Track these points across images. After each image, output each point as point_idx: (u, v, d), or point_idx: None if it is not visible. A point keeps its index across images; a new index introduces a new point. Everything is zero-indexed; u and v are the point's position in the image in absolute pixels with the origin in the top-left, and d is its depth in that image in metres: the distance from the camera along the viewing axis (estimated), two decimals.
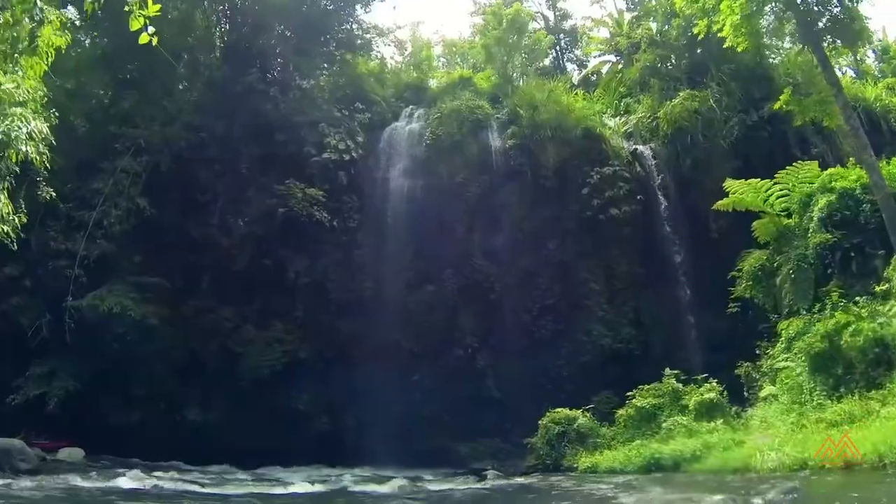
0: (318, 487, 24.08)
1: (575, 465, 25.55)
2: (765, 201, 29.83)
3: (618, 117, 42.59)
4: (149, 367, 33.74)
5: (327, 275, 34.16)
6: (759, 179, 29.83)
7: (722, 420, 24.55)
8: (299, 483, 24.96)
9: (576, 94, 43.39)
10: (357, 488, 24.04)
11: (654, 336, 33.94)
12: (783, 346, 26.42)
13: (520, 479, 23.89)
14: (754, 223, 30.01)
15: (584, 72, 57.39)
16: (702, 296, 34.06)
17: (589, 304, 34.00)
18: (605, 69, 52.09)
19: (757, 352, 27.22)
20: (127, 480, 21.89)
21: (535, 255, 34.50)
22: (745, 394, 26.79)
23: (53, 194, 31.13)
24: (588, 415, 27.44)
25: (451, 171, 35.78)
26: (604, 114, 42.36)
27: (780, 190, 29.77)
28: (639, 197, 35.52)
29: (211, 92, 38.40)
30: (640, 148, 38.24)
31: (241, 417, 32.73)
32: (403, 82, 43.47)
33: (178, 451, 32.06)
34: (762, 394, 26.09)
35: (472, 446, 32.20)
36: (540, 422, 27.68)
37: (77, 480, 21.50)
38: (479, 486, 22.71)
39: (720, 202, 30.53)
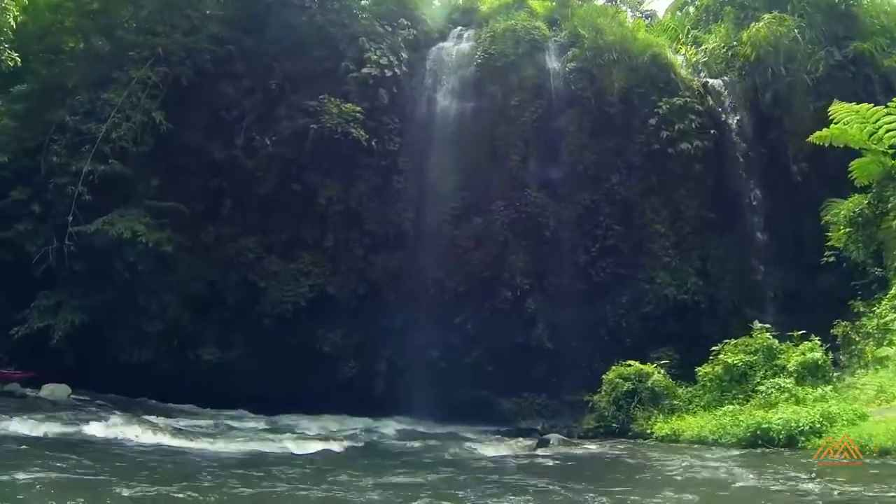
0: (339, 445, 18.92)
1: (648, 431, 20.47)
2: (871, 135, 23.88)
3: (685, 49, 36.34)
4: (162, 300, 29.11)
5: (362, 202, 28.85)
6: (870, 105, 23.96)
7: (830, 386, 19.10)
8: (315, 440, 20.03)
9: (637, 22, 37.30)
10: (390, 443, 18.96)
11: (723, 288, 28.38)
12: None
13: (590, 447, 18.59)
14: (853, 162, 24.59)
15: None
16: (779, 246, 28.74)
17: (653, 247, 28.43)
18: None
19: (853, 311, 22.70)
20: (100, 427, 16.95)
21: (595, 189, 28.95)
22: (841, 357, 21.71)
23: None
24: (663, 371, 21.99)
25: (504, 93, 29.96)
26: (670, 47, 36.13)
27: (891, 123, 23.77)
28: (712, 132, 29.59)
29: (240, 1, 32.66)
30: (713, 81, 32.08)
31: (262, 358, 28.04)
32: (451, 2, 37.37)
33: (192, 393, 27.53)
34: (870, 357, 20.76)
35: (516, 401, 27.22)
36: (605, 377, 22.42)
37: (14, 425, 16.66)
38: (542, 453, 17.42)
39: (817, 134, 24.69)
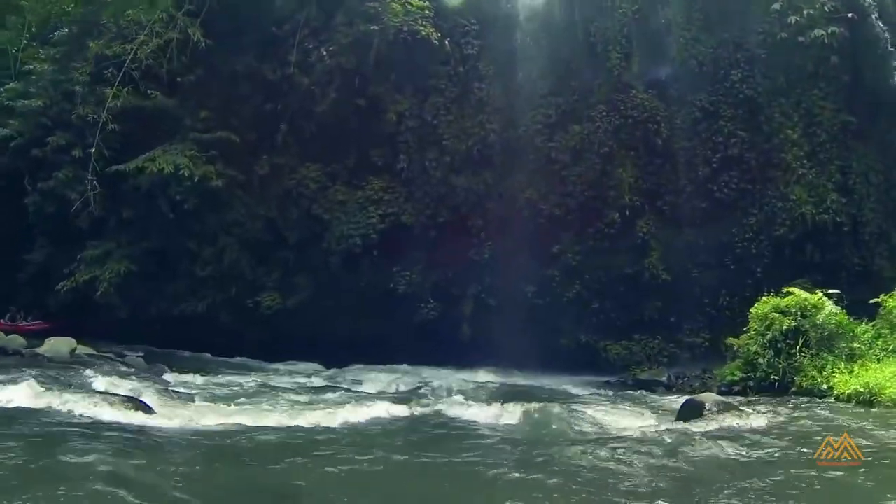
0: (407, 410, 13.64)
1: (824, 387, 14.35)
2: None
3: None
4: (217, 243, 24.18)
5: (439, 116, 23.03)
6: None
7: None
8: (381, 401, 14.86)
9: None
10: (468, 413, 13.51)
11: (866, 207, 21.56)
12: None
13: (762, 413, 12.56)
14: None
15: None
16: None
17: (785, 158, 21.72)
18: None
19: None
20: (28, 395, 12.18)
21: (713, 89, 22.27)
22: None
23: None
24: (839, 306, 15.86)
25: None
26: None
27: None
28: (850, 15, 22.32)
29: None
30: None
31: (329, 303, 23.17)
32: None
33: (253, 347, 23.11)
34: None
35: (626, 345, 21.60)
36: (753, 311, 16.46)
37: None
38: (702, 428, 11.48)
39: None
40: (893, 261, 21.12)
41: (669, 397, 16.43)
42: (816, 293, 16.02)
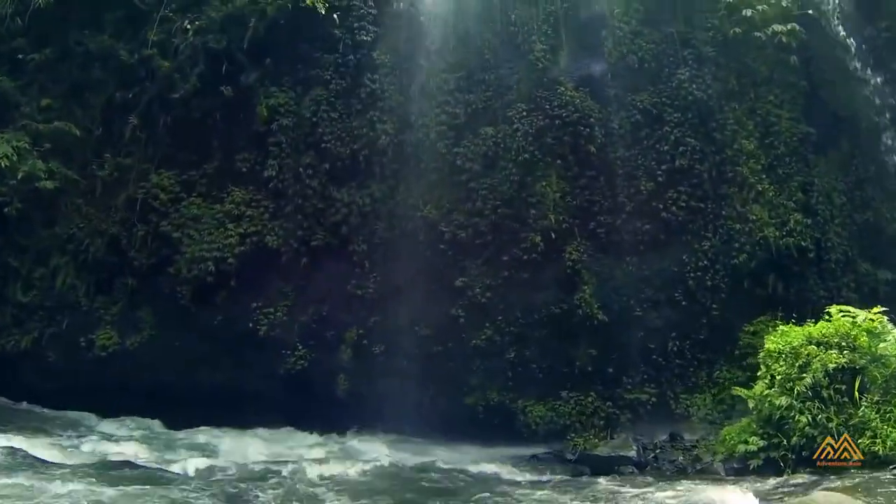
0: None
1: None
2: None
3: None
4: (47, 262, 17.76)
5: (320, 113, 16.86)
6: None
7: None
8: None
9: None
10: None
11: (831, 231, 16.67)
12: None
13: None
14: None
15: None
16: None
17: (741, 171, 16.56)
18: None
19: None
20: None
21: (655, 89, 16.91)
22: None
23: None
24: None
25: None
26: None
27: None
28: (809, 11, 17.55)
29: None
30: None
31: (174, 345, 16.65)
32: None
33: (86, 396, 16.65)
34: None
35: (552, 405, 15.40)
36: (769, 345, 11.30)
37: None
38: None
39: None
40: (861, 293, 16.17)
41: (656, 488, 10.38)
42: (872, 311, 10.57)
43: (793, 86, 17.25)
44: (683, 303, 15.83)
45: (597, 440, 13.78)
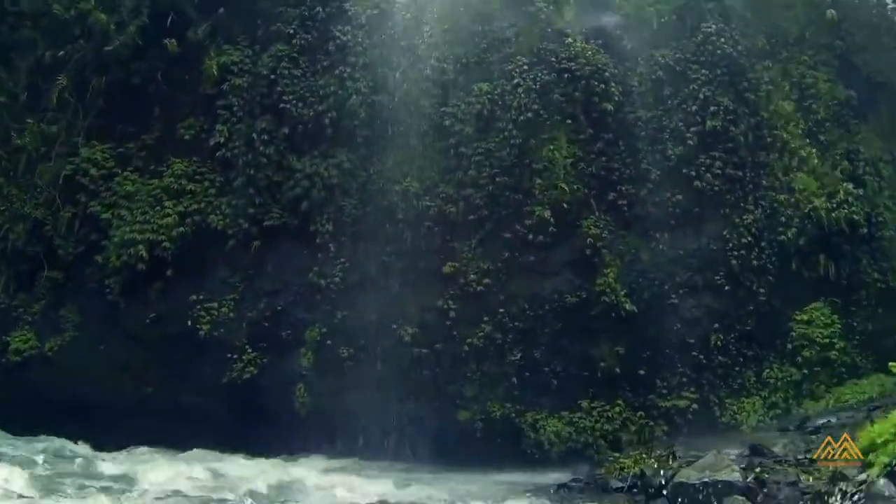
0: None
1: None
2: None
3: None
4: None
5: (280, 70, 13.09)
6: None
7: None
8: None
9: None
10: None
11: (881, 204, 13.89)
12: None
13: None
14: None
15: None
16: None
17: (780, 136, 13.64)
18: None
19: None
20: None
21: (678, 45, 13.67)
22: None
23: None
24: None
25: None
26: None
27: None
28: None
29: None
30: None
31: (100, 348, 12.86)
32: None
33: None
34: None
35: (569, 419, 11.66)
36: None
37: None
38: None
39: None
40: None
41: None
42: None
43: (827, 47, 14.86)
44: (726, 287, 12.54)
45: (646, 458, 9.98)
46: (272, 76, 13.32)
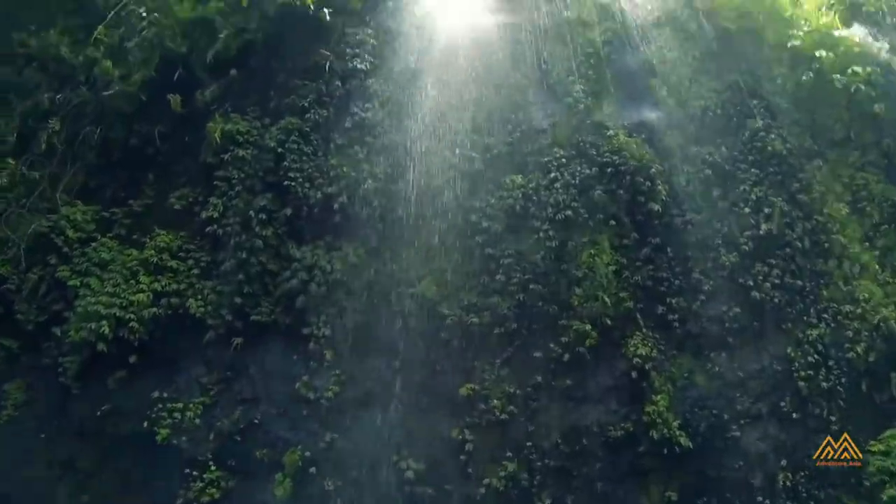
0: None
1: None
2: None
3: None
4: None
5: (288, 144, 11.37)
6: None
7: None
8: None
9: None
10: None
11: None
12: None
13: None
14: None
15: None
16: None
17: (836, 240, 11.95)
18: None
19: None
20: None
21: (724, 141, 12.22)
22: None
23: None
24: None
25: None
26: None
27: None
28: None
29: None
30: None
31: (37, 436, 10.63)
32: None
33: None
34: None
35: None
36: None
37: None
38: None
39: None
40: None
41: None
42: None
43: (874, 145, 13.26)
44: (794, 415, 10.44)
45: None
46: (279, 149, 11.57)
